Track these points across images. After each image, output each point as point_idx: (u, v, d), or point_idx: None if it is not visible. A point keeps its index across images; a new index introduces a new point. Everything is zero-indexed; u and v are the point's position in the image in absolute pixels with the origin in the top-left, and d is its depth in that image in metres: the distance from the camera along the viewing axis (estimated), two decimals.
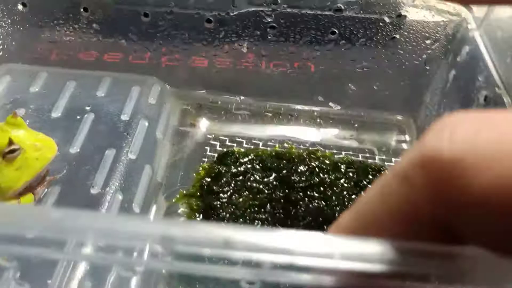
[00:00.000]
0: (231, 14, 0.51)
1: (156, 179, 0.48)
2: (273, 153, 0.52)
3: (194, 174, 0.50)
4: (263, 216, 0.46)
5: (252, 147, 0.53)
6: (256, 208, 0.47)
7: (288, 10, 0.51)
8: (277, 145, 0.54)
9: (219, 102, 0.57)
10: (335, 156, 0.53)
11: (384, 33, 0.52)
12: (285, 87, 0.57)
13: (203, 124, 0.56)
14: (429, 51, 0.52)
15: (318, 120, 0.57)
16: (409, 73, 0.54)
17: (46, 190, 0.43)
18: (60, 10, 0.53)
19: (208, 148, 0.53)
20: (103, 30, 0.53)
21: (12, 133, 0.39)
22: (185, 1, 0.51)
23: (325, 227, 0.46)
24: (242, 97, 0.57)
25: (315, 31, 0.53)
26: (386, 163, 0.54)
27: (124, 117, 0.50)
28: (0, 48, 0.55)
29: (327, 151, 0.54)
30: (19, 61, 0.56)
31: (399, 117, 0.57)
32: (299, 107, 0.57)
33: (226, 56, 0.55)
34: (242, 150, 0.52)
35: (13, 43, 0.55)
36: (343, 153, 0.54)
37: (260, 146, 0.54)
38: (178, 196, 0.48)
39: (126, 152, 0.47)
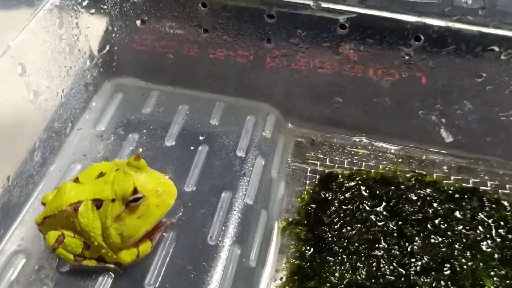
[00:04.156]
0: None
1: (271, 225, 0.44)
2: (378, 177, 0.48)
3: (299, 199, 0.46)
4: (379, 253, 0.42)
5: (354, 168, 0.49)
6: (370, 244, 0.42)
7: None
8: (380, 167, 0.49)
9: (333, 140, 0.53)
10: (444, 181, 0.48)
11: None
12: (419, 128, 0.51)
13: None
14: None
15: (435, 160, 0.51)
16: None
17: (163, 235, 0.40)
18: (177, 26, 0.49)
19: (308, 168, 0.49)
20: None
21: (135, 177, 0.37)
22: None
23: (444, 268, 0.41)
24: (365, 140, 0.52)
25: (459, 72, 0.46)
26: (500, 190, 0.48)
27: (240, 153, 0.47)
28: (115, 64, 0.53)
29: (435, 175, 0.49)
30: (130, 74, 0.54)
31: None
32: (431, 157, 0.52)
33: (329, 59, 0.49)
34: (346, 172, 0.48)
35: (126, 56, 0.53)
36: (452, 178, 0.49)
37: (363, 167, 0.49)
38: (282, 223, 0.45)
39: (243, 196, 0.43)
